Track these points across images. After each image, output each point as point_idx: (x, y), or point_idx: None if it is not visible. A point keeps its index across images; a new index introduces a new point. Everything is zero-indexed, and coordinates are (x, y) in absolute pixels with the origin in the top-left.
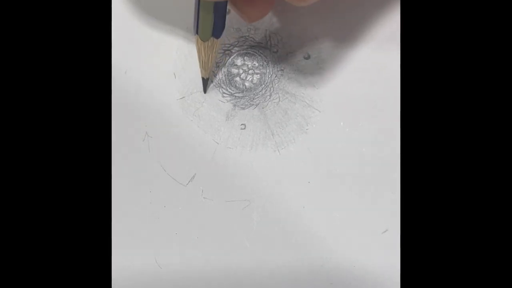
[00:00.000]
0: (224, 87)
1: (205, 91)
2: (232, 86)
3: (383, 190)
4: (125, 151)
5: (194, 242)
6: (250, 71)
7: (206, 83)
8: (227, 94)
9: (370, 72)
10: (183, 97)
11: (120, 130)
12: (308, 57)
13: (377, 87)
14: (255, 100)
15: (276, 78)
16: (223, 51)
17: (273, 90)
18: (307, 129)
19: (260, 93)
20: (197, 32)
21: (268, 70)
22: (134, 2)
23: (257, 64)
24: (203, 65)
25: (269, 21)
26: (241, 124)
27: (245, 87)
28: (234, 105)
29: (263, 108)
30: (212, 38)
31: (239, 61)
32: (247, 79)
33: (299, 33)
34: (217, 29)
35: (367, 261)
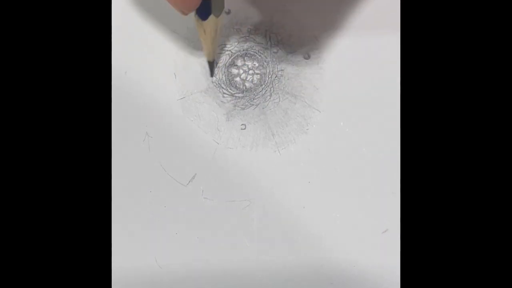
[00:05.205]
0: (224, 87)
1: (211, 74)
2: (232, 86)
3: (383, 190)
4: (125, 151)
5: (194, 242)
6: (250, 71)
7: (212, 66)
8: (227, 94)
9: (370, 72)
10: (184, 97)
11: (120, 130)
12: (308, 57)
13: (377, 87)
14: (255, 100)
15: (276, 78)
16: (223, 51)
17: (273, 90)
18: (307, 129)
19: (260, 93)
20: (196, 13)
21: (268, 70)
22: (134, 2)
23: (257, 65)
24: (207, 47)
25: (269, 21)
26: (241, 124)
27: (245, 87)
28: (235, 105)
29: (263, 108)
30: (212, 16)
31: (239, 62)
32: (248, 79)
33: (299, 33)
34: (216, 8)
35: (367, 261)
